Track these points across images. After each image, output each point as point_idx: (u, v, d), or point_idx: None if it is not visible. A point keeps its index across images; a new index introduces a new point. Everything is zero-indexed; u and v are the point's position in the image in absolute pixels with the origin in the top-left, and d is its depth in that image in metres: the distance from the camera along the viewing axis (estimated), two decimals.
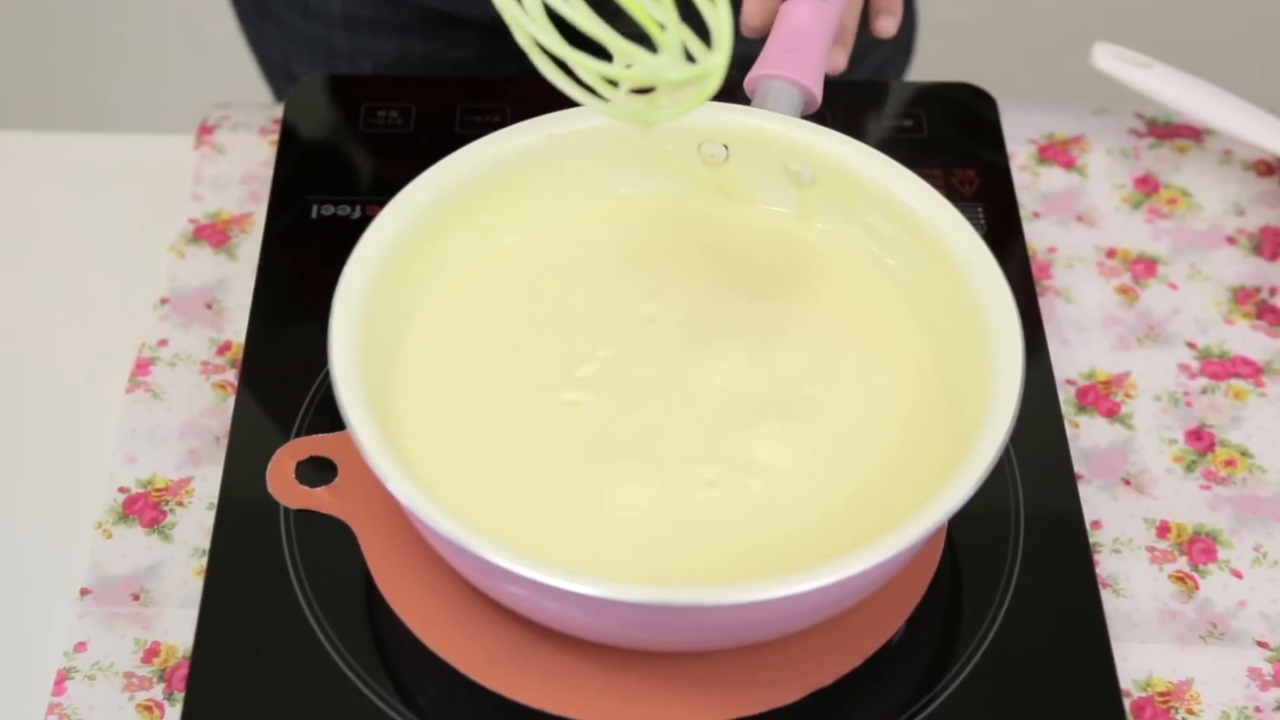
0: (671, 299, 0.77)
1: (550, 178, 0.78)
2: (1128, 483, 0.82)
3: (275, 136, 0.96)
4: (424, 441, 0.71)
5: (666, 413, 0.72)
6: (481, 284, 0.77)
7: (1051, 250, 0.92)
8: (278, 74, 1.12)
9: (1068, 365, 0.86)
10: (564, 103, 0.77)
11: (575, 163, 0.78)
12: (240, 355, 0.84)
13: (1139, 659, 0.75)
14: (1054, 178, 0.96)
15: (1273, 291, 0.90)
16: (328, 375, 0.68)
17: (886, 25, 0.85)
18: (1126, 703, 0.74)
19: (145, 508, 0.79)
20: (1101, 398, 0.85)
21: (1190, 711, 0.74)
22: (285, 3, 1.05)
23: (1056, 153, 0.97)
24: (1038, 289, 0.88)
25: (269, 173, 0.93)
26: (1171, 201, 0.95)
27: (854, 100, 0.94)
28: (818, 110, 0.80)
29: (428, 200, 0.75)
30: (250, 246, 0.91)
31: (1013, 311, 0.70)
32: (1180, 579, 0.78)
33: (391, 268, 0.73)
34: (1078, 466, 0.82)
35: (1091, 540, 0.79)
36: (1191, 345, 0.88)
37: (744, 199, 0.80)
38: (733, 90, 0.81)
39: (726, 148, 0.79)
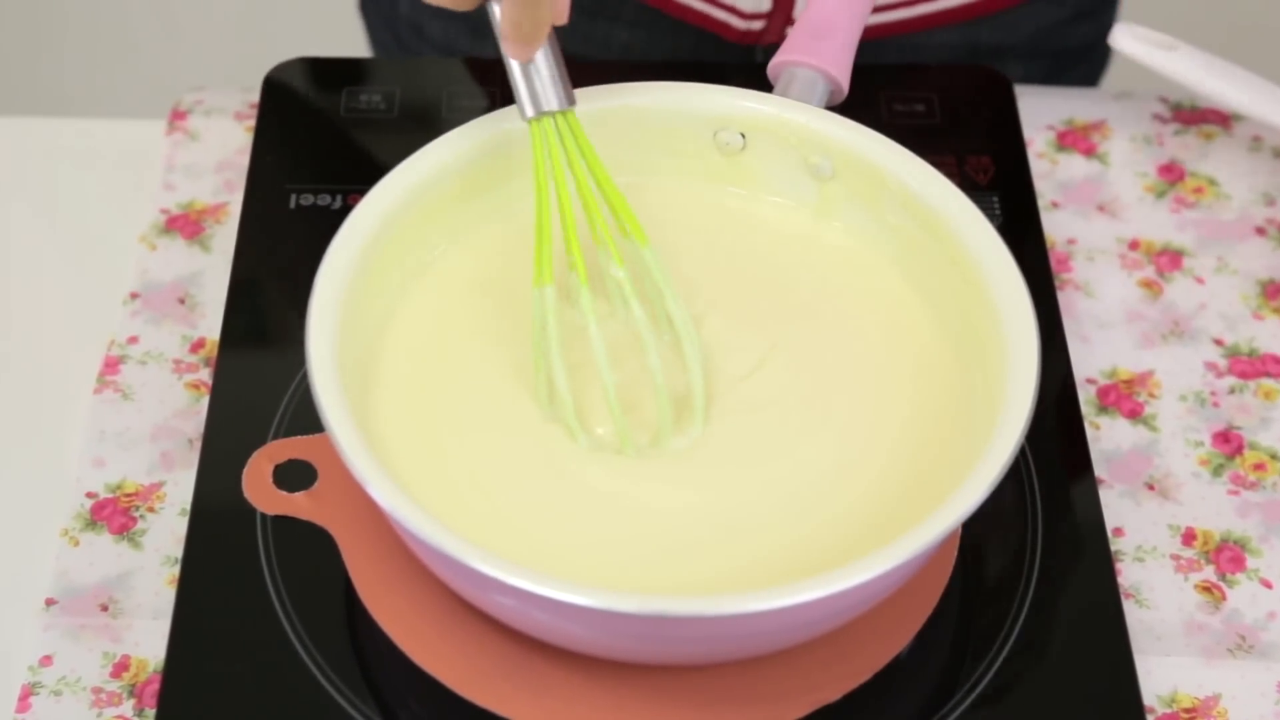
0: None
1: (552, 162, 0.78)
2: (1151, 487, 0.82)
3: (251, 122, 0.96)
4: (408, 444, 0.71)
5: (665, 416, 0.72)
6: (471, 277, 0.77)
7: (1071, 242, 0.92)
8: None
9: (1088, 363, 0.86)
10: None
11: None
12: (215, 353, 0.84)
13: (1163, 673, 0.75)
14: (1073, 166, 0.96)
15: None
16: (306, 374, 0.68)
17: None
18: (1150, 719, 0.74)
19: (114, 514, 0.80)
20: (1124, 398, 0.85)
21: None
22: (431, 46, 1.06)
23: (1076, 139, 0.97)
24: (1056, 283, 0.88)
25: (245, 160, 0.93)
26: (1197, 190, 0.95)
27: (864, 84, 0.94)
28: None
29: (415, 187, 0.75)
30: (225, 238, 0.91)
31: (1028, 308, 0.70)
32: (1207, 589, 0.78)
33: (374, 259, 0.73)
34: (1099, 470, 0.82)
35: (1113, 548, 0.79)
36: (1219, 342, 0.88)
37: (760, 191, 0.80)
38: (755, 75, 0.81)
39: (744, 136, 0.79)
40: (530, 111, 0.72)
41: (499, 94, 0.93)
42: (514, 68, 0.72)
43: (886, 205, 0.77)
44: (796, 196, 0.79)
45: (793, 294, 0.77)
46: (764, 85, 0.79)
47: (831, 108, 0.79)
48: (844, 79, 0.79)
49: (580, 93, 0.76)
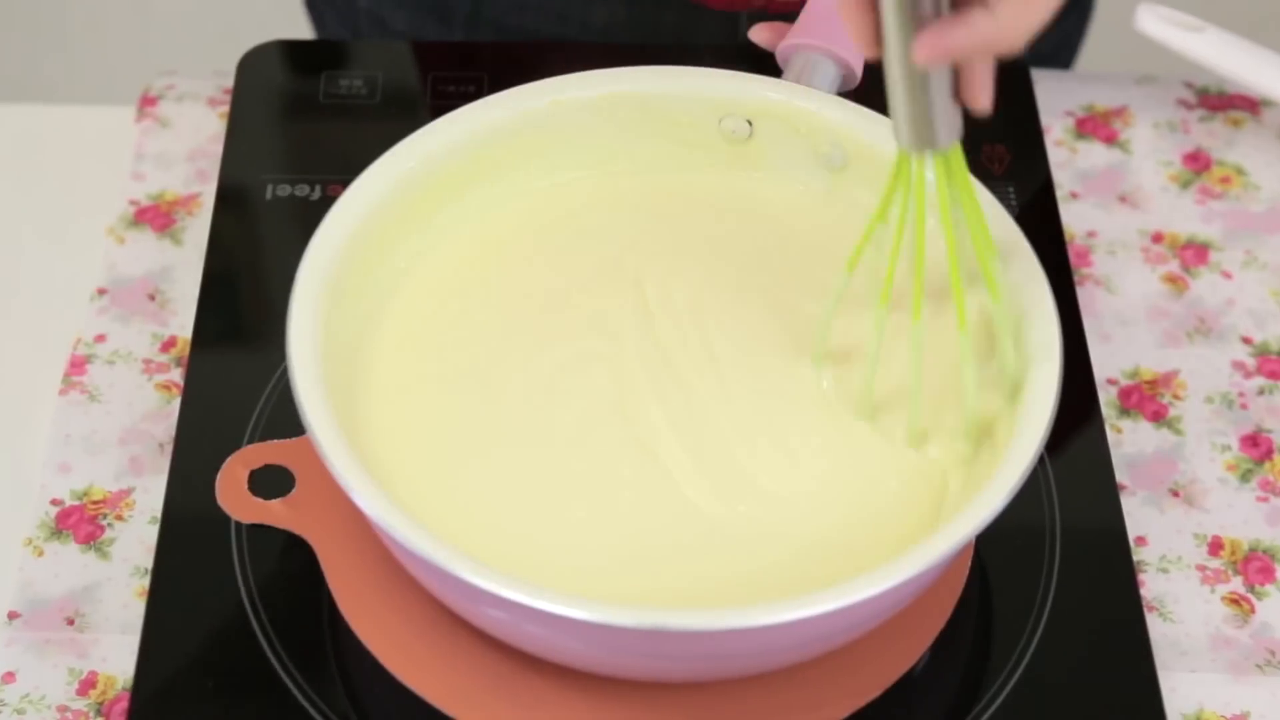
0: (675, 292, 0.76)
1: (550, 151, 0.78)
2: (1176, 494, 0.82)
3: (225, 108, 0.96)
4: (395, 448, 0.71)
5: (664, 419, 0.72)
6: (465, 270, 0.77)
7: (1091, 234, 0.92)
8: None
9: (1109, 363, 0.86)
10: (553, 70, 0.77)
11: (580, 134, 0.78)
12: (186, 352, 0.84)
13: (1189, 690, 0.75)
14: (1094, 154, 0.96)
15: None
16: (284, 374, 0.68)
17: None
18: None
19: (81, 522, 0.79)
20: (1147, 399, 0.85)
21: None
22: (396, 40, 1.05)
23: (1096, 126, 0.97)
24: (1075, 278, 0.88)
25: (218, 149, 0.93)
26: (1224, 180, 0.95)
27: (874, 68, 0.94)
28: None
29: (404, 176, 0.74)
30: (198, 231, 0.91)
31: (1050, 307, 0.70)
32: (1234, 601, 0.78)
33: (359, 253, 0.73)
34: (1120, 476, 0.82)
35: (1135, 558, 0.79)
36: (1247, 340, 0.88)
37: (767, 181, 0.80)
38: (763, 59, 0.81)
39: (750, 123, 0.78)
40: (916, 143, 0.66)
41: (486, 79, 0.93)
42: (909, 83, 0.65)
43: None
44: (806, 186, 0.79)
45: (796, 292, 0.77)
46: (760, 70, 0.79)
47: (846, 93, 0.78)
48: (857, 63, 0.79)
49: (574, 78, 0.76)
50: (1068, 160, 0.95)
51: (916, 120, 0.65)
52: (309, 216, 0.73)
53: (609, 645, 0.65)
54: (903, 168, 0.68)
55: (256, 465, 0.76)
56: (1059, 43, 1.08)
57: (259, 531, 0.75)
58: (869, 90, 0.80)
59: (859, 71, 0.79)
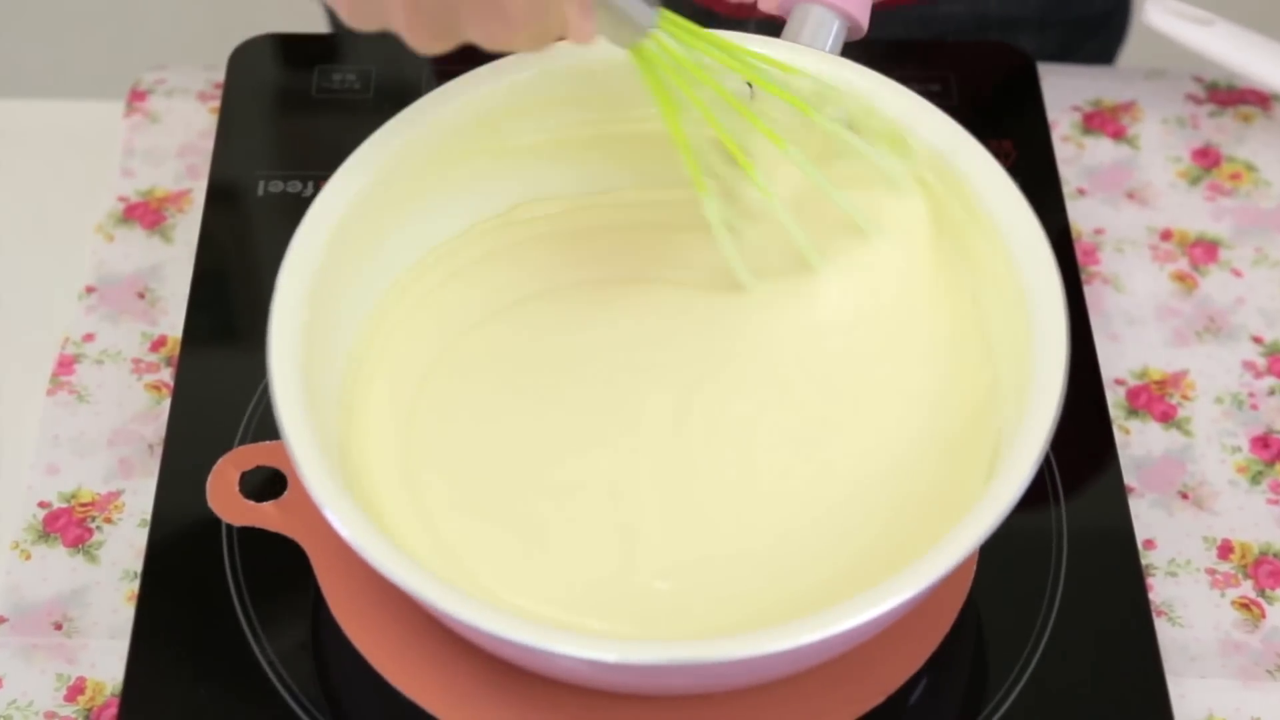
0: (672, 277, 0.76)
1: (543, 122, 0.77)
2: (1185, 496, 0.82)
3: (216, 103, 0.96)
4: (386, 466, 0.70)
5: (663, 419, 0.72)
6: (460, 261, 0.76)
7: (1098, 232, 0.92)
8: None
9: (1117, 363, 0.86)
10: None
11: (572, 100, 0.77)
12: (177, 352, 0.84)
13: (1198, 696, 0.75)
14: (1101, 150, 0.96)
15: None
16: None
17: None
18: None
19: (69, 525, 0.79)
20: (1155, 400, 0.85)
21: None
22: None
23: (1104, 121, 0.97)
24: (1082, 276, 0.88)
25: (209, 144, 0.93)
26: (1235, 177, 0.95)
27: (875, 62, 0.94)
28: None
29: (392, 159, 0.74)
30: (188, 228, 0.91)
31: (1059, 303, 0.69)
32: (1245, 606, 0.78)
33: (347, 247, 0.72)
34: (1128, 478, 0.82)
35: (1144, 562, 0.79)
36: (1258, 340, 0.88)
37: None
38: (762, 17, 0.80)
39: (751, 86, 0.77)
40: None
41: None
42: None
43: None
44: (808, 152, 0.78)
45: (792, 280, 0.76)
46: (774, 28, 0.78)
47: (852, 45, 0.77)
48: (863, 15, 0.76)
49: (573, 46, 0.75)
50: (1075, 156, 0.95)
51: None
52: (302, 213, 0.72)
53: (604, 670, 0.64)
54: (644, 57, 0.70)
55: (248, 467, 0.76)
56: (1095, 56, 1.08)
57: (250, 534, 0.75)
58: (877, 56, 0.79)
59: (865, 22, 0.76)
